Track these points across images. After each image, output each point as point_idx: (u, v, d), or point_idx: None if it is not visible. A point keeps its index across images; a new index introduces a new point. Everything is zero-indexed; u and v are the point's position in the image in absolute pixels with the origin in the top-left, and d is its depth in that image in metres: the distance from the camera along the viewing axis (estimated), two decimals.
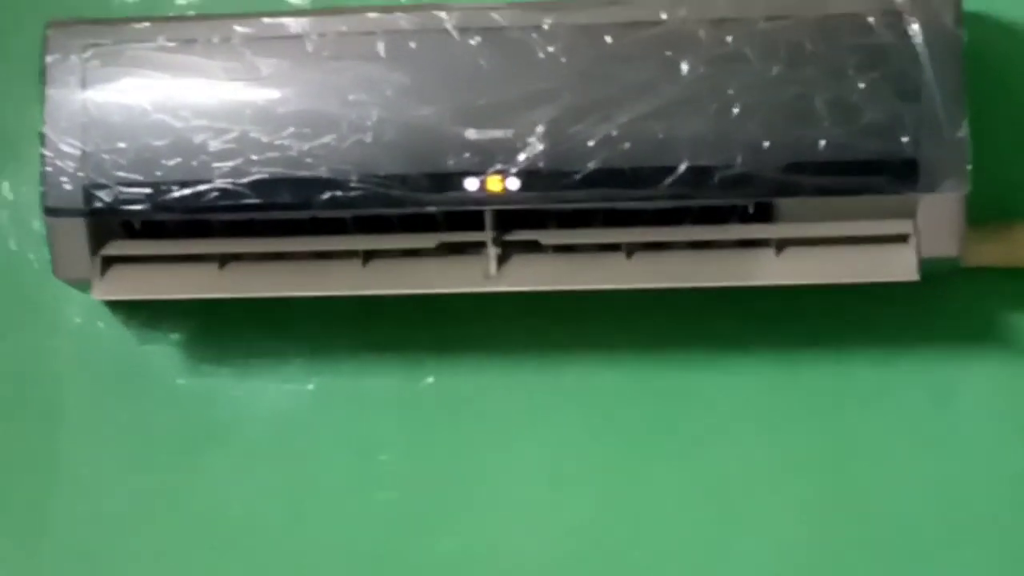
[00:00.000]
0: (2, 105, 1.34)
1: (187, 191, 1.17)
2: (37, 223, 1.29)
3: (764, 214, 1.16)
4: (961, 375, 1.24)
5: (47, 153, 1.18)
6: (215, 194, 1.16)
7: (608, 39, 1.13)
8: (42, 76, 1.18)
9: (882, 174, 1.11)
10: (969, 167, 1.10)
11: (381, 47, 1.15)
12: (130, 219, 1.20)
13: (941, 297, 1.23)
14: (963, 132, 1.10)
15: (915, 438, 1.24)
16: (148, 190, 1.17)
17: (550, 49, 1.14)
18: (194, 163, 1.16)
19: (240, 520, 1.30)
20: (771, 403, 1.25)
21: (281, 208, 1.17)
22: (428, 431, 1.29)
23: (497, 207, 1.16)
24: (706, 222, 1.16)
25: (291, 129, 1.15)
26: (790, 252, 1.16)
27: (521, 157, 1.13)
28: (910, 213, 1.13)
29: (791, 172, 1.12)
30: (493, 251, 1.18)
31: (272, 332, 1.31)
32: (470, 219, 1.17)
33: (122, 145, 1.17)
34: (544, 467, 1.28)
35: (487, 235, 1.17)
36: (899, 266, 1.14)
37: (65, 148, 1.18)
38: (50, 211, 1.19)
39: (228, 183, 1.16)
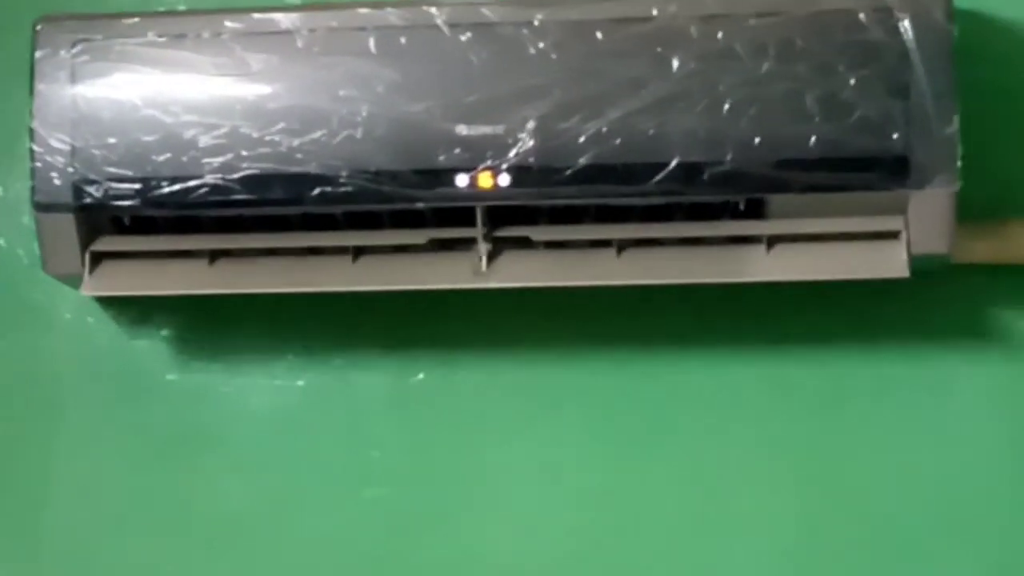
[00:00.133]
0: None
1: (177, 187, 1.16)
2: (26, 218, 1.28)
3: (755, 210, 1.16)
4: (953, 371, 1.24)
5: (36, 148, 1.18)
6: (205, 190, 1.16)
7: (599, 35, 1.13)
8: (31, 71, 1.18)
9: (873, 170, 1.11)
10: (959, 164, 1.10)
11: (372, 43, 1.15)
12: (120, 215, 1.20)
13: (933, 294, 1.23)
14: (954, 128, 1.10)
15: (907, 434, 1.24)
16: (138, 186, 1.17)
17: (541, 45, 1.13)
18: (184, 159, 1.16)
19: (230, 516, 1.30)
20: (762, 399, 1.25)
21: (271, 204, 1.16)
22: (419, 427, 1.29)
23: (488, 203, 1.16)
24: (697, 218, 1.16)
25: (281, 125, 1.15)
26: (781, 248, 1.16)
27: (512, 153, 1.13)
28: (901, 209, 1.13)
29: (782, 168, 1.12)
30: (484, 247, 1.17)
31: (262, 328, 1.30)
32: (461, 215, 1.17)
33: (112, 140, 1.17)
34: (536, 464, 1.28)
35: (478, 231, 1.17)
36: (890, 263, 1.14)
37: (54, 143, 1.17)
38: (39, 206, 1.19)
39: (218, 179, 1.16)
